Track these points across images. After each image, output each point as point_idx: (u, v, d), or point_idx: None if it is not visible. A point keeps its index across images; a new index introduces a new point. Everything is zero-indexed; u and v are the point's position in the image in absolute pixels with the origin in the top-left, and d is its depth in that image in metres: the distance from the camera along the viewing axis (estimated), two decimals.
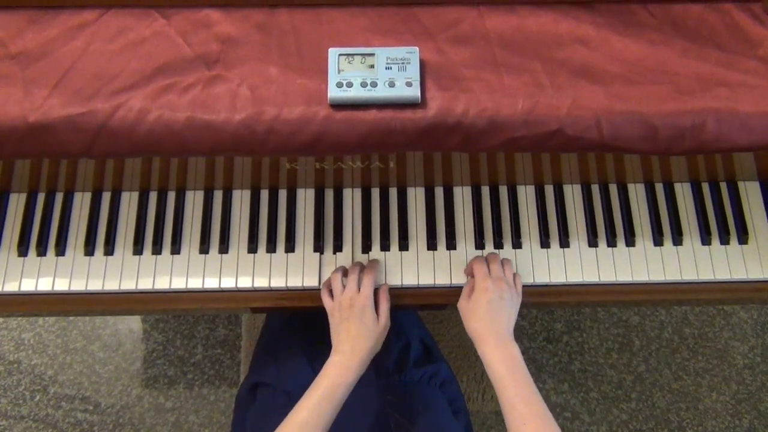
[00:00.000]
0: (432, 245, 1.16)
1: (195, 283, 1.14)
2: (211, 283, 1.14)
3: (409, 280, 1.14)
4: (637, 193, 1.19)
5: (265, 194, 1.19)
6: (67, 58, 0.94)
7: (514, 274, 1.10)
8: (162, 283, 1.13)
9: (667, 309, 2.00)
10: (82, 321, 1.98)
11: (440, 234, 1.17)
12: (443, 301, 1.14)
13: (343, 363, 1.00)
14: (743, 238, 1.16)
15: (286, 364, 1.18)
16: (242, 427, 1.18)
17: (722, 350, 1.97)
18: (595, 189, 1.20)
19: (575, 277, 1.14)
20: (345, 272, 1.10)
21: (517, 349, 0.99)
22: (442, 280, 1.14)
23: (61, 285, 1.13)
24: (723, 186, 1.19)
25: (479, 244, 1.16)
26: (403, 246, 1.16)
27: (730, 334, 1.98)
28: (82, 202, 1.18)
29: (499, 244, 1.16)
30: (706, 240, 1.16)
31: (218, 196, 1.19)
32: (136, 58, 0.94)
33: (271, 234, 1.16)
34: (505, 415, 0.95)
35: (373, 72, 0.92)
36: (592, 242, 1.16)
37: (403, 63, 0.93)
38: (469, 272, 1.10)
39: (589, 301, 1.17)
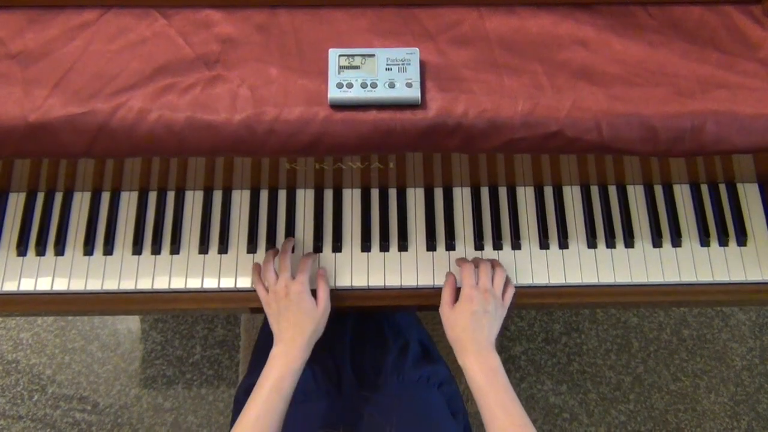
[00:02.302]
0: (431, 246, 1.16)
1: (194, 283, 1.14)
2: (210, 283, 1.14)
3: (408, 281, 1.14)
4: (636, 194, 1.20)
5: (264, 194, 1.19)
6: (67, 58, 0.94)
7: (507, 282, 1.09)
8: (161, 283, 1.13)
9: (666, 311, 2.01)
10: (80, 321, 1.98)
11: (439, 235, 1.17)
12: None
13: (286, 353, 1.01)
14: (742, 240, 1.16)
15: None
16: None
17: (720, 352, 1.97)
18: (595, 190, 1.20)
19: (574, 278, 1.14)
20: (276, 253, 1.11)
21: (497, 360, 0.99)
22: (442, 281, 1.13)
23: (60, 285, 1.13)
24: (722, 188, 1.19)
25: (478, 245, 1.16)
26: (402, 247, 1.16)
27: (728, 336, 1.98)
28: (81, 201, 1.18)
29: (498, 246, 1.16)
30: (704, 242, 1.16)
31: (218, 196, 1.19)
32: (136, 59, 0.94)
33: (270, 234, 1.16)
34: (485, 425, 0.95)
35: (373, 73, 0.92)
36: (591, 244, 1.16)
37: (403, 64, 0.93)
38: (458, 265, 1.10)
39: (588, 303, 1.17)
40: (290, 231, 1.16)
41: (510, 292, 1.08)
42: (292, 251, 1.13)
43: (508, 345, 1.96)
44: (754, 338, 1.98)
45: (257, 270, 1.12)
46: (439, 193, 1.19)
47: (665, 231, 1.17)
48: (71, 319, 1.98)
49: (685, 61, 0.95)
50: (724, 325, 2.00)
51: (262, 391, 0.97)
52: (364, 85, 0.91)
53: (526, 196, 1.20)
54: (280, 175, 1.16)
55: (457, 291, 1.07)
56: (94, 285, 1.13)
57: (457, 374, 1.47)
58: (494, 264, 1.10)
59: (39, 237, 1.15)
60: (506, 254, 1.16)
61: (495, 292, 1.05)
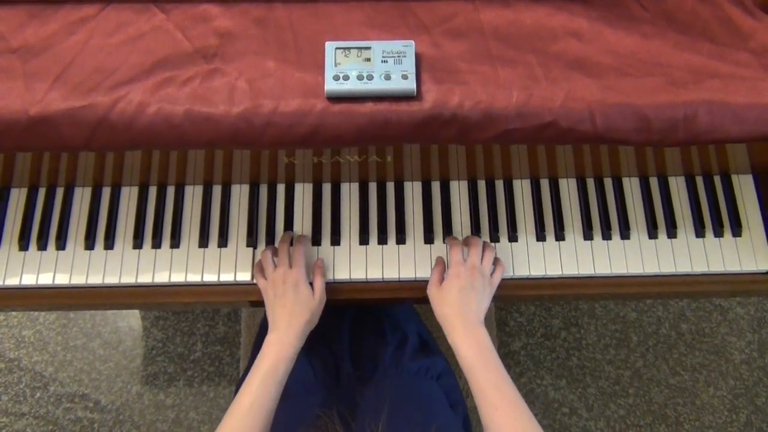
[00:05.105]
0: (429, 239, 1.17)
1: (194, 277, 1.15)
2: (210, 276, 1.15)
3: (407, 273, 1.15)
4: (631, 186, 1.20)
5: (263, 189, 1.20)
6: (67, 52, 0.95)
7: (497, 261, 1.10)
8: (161, 277, 1.14)
9: (664, 305, 2.01)
10: (82, 318, 1.99)
11: (437, 228, 1.18)
12: None
13: (280, 339, 1.01)
14: (737, 230, 1.17)
15: None
16: None
17: (719, 346, 1.98)
18: (591, 183, 1.21)
19: (571, 269, 1.15)
20: (275, 251, 1.12)
21: (486, 335, 1.00)
22: None
23: (62, 279, 1.14)
24: (717, 179, 1.20)
25: None
26: (400, 240, 1.17)
27: (727, 330, 1.99)
28: (82, 196, 1.19)
29: (495, 238, 1.17)
30: (700, 233, 1.17)
31: (217, 190, 1.20)
32: (135, 52, 0.95)
33: (269, 228, 1.17)
34: (476, 402, 0.95)
35: (369, 65, 0.94)
36: (588, 235, 1.17)
37: (399, 56, 0.94)
38: (447, 243, 1.11)
39: (585, 294, 1.18)
40: (289, 225, 1.17)
41: (499, 273, 1.09)
42: (291, 243, 1.14)
43: (508, 340, 1.97)
44: (752, 332, 1.99)
45: (259, 265, 1.13)
46: (436, 187, 1.20)
47: (661, 222, 1.18)
48: (73, 316, 1.99)
49: (677, 52, 0.96)
50: (722, 319, 2.00)
51: (256, 378, 0.98)
52: (360, 77, 0.93)
53: (522, 188, 1.21)
54: (279, 170, 1.17)
55: None
56: (95, 279, 1.14)
57: (457, 369, 1.48)
58: (485, 245, 1.11)
59: (41, 232, 1.16)
60: (503, 246, 1.17)
61: (483, 270, 1.06)
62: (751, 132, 0.93)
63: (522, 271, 1.15)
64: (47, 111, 0.90)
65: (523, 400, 0.94)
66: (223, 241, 1.16)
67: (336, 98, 0.93)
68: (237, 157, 1.13)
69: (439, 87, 0.93)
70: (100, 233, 1.17)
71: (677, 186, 1.20)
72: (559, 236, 1.17)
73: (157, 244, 1.16)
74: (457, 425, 1.15)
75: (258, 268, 1.11)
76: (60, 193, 1.19)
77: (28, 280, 1.14)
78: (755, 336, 1.98)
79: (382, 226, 1.17)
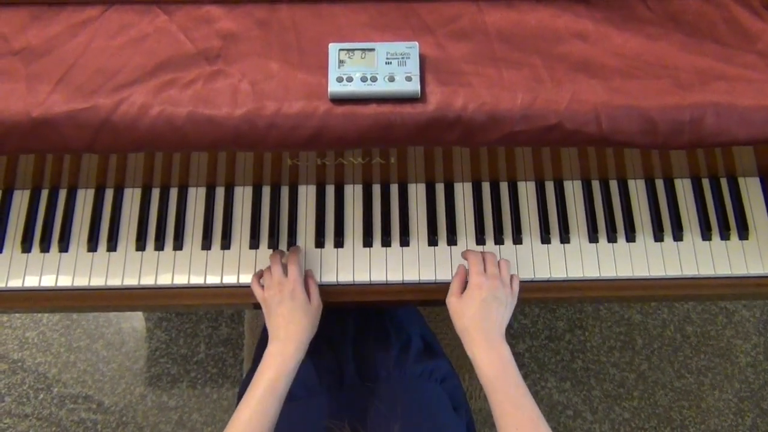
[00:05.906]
0: (433, 241, 1.16)
1: (197, 279, 1.14)
2: (213, 279, 1.14)
3: (410, 276, 1.15)
4: (637, 189, 1.20)
5: (267, 191, 1.20)
6: (69, 54, 0.94)
7: (512, 275, 1.08)
8: (164, 279, 1.14)
9: (670, 307, 2.00)
10: (85, 319, 1.99)
11: (441, 230, 1.17)
12: (445, 297, 1.14)
13: (281, 352, 1.00)
14: (743, 233, 1.16)
15: None
16: None
17: (725, 348, 1.97)
18: (596, 185, 1.20)
19: (576, 272, 1.15)
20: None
21: (507, 351, 0.97)
22: (444, 275, 1.14)
23: (64, 281, 1.14)
24: (723, 182, 1.20)
25: (480, 240, 1.17)
26: (404, 242, 1.16)
27: (732, 333, 1.98)
28: (85, 198, 1.19)
29: (499, 240, 1.17)
30: (706, 235, 1.16)
31: (220, 192, 1.19)
32: (138, 54, 0.95)
33: (272, 230, 1.17)
34: (495, 419, 0.94)
35: (373, 67, 0.93)
36: (593, 238, 1.16)
37: (402, 58, 0.93)
38: (465, 257, 1.10)
39: (590, 297, 1.17)
40: (292, 227, 1.17)
41: (516, 282, 1.07)
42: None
43: (512, 342, 1.96)
44: (758, 335, 1.98)
45: (256, 277, 1.12)
46: (440, 189, 1.20)
47: (667, 225, 1.17)
48: (76, 317, 1.99)
49: (683, 54, 0.95)
50: (728, 322, 1.99)
51: (256, 392, 0.96)
52: (364, 79, 0.92)
53: (527, 190, 1.20)
54: (283, 172, 1.17)
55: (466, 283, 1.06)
56: (98, 281, 1.14)
57: (460, 371, 1.47)
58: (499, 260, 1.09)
59: (43, 234, 1.16)
60: (508, 249, 1.16)
61: (504, 280, 1.04)
62: (758, 134, 0.92)
63: (527, 273, 1.14)
64: (50, 113, 0.90)
65: (543, 416, 0.92)
66: (226, 243, 1.16)
67: (339, 100, 0.92)
68: (240, 159, 1.13)
69: (444, 89, 0.92)
70: (103, 235, 1.16)
71: (683, 188, 1.19)
72: (564, 239, 1.16)
73: (160, 246, 1.16)
74: (461, 430, 1.15)
75: (255, 280, 1.11)
76: (63, 195, 1.19)
77: (31, 282, 1.14)
78: (761, 339, 1.97)
79: (386, 229, 1.17)
